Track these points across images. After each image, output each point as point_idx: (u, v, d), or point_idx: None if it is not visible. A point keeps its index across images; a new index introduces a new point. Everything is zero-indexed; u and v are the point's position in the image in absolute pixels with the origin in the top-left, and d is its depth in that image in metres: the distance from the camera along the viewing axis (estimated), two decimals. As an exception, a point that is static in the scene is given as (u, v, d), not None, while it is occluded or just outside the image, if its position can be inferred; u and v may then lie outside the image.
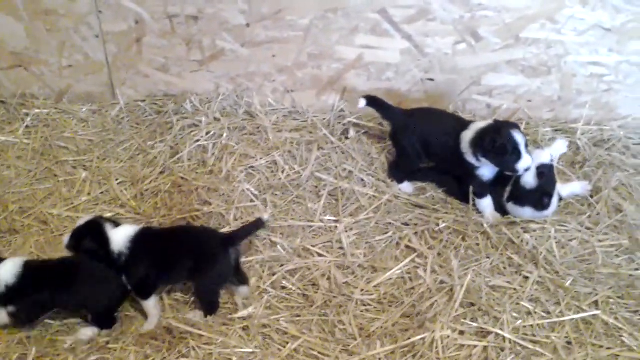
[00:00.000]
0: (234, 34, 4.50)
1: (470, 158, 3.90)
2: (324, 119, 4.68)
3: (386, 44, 4.43)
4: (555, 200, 3.92)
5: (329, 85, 4.60)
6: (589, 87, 4.39)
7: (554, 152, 4.06)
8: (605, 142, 4.45)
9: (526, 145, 3.78)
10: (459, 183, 4.13)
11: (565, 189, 4.06)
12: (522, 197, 3.88)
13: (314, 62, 4.54)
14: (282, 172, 4.34)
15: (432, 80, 4.50)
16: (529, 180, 3.82)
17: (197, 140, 4.53)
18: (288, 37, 4.47)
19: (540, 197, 3.84)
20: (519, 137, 3.75)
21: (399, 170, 4.26)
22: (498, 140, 3.75)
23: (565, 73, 4.35)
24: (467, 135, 3.90)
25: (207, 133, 4.57)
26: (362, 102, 4.22)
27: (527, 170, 3.80)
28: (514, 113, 4.52)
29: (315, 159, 4.39)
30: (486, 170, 3.95)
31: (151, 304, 3.53)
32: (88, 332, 3.53)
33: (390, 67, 4.48)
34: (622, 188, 4.17)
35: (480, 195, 3.98)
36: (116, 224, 3.61)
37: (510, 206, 3.94)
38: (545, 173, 3.81)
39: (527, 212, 3.90)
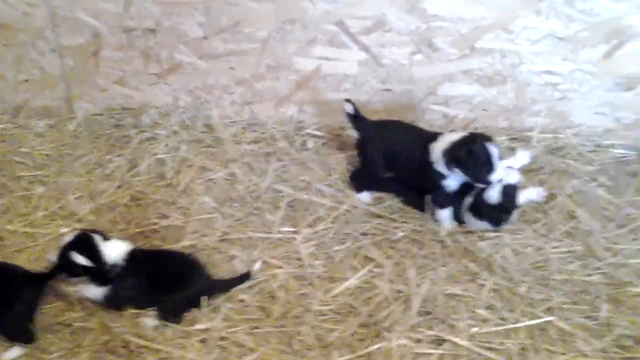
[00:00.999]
0: (191, 47, 4.51)
1: (440, 168, 3.93)
2: (283, 131, 4.66)
3: (344, 55, 4.46)
4: (513, 216, 3.95)
5: (287, 96, 4.61)
6: (543, 96, 4.44)
7: (516, 163, 4.09)
8: (560, 149, 4.50)
9: (499, 158, 3.82)
10: (419, 193, 4.13)
11: (521, 196, 4.08)
12: (482, 210, 3.92)
13: (272, 73, 4.56)
14: (241, 184, 4.32)
15: (389, 90, 4.51)
16: (493, 195, 3.85)
17: (155, 154, 4.53)
18: (246, 49, 4.48)
19: (499, 213, 3.88)
20: (493, 150, 3.81)
21: (361, 180, 4.28)
22: (474, 151, 3.78)
23: (520, 82, 4.40)
24: (439, 146, 3.94)
25: (166, 146, 4.57)
26: (349, 107, 4.22)
27: (498, 182, 3.82)
28: (470, 122, 4.56)
29: (274, 170, 4.41)
30: (453, 181, 3.98)
31: None
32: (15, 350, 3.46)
33: (348, 78, 4.51)
34: (576, 195, 4.20)
35: (442, 205, 4.03)
36: (105, 236, 3.58)
37: (468, 216, 3.97)
38: (510, 193, 3.83)
39: (483, 225, 3.94)
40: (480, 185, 3.90)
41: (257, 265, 3.79)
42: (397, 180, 4.27)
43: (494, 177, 3.82)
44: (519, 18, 4.25)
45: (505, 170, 3.86)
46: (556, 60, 4.38)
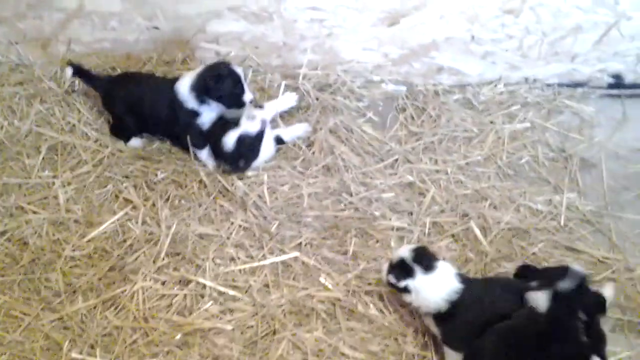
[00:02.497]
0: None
1: (191, 105, 3.91)
2: (53, 71, 4.50)
3: (106, -9, 4.30)
4: (268, 150, 4.05)
5: (53, 36, 4.44)
6: (311, 32, 4.45)
7: (281, 105, 4.16)
8: (330, 86, 4.53)
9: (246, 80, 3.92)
10: (172, 141, 4.19)
11: (286, 132, 4.15)
12: (221, 155, 3.99)
13: (33, 12, 4.34)
14: (1, 128, 4.18)
15: (158, 29, 4.41)
16: (228, 142, 3.92)
17: None
18: (3, -13, 4.27)
19: (237, 160, 3.94)
20: (239, 70, 3.90)
21: (121, 132, 4.25)
22: (222, 75, 3.85)
23: (286, 19, 4.39)
24: (184, 83, 3.91)
25: None
26: (69, 71, 4.15)
27: (250, 102, 3.95)
28: (243, 60, 4.55)
29: (36, 112, 4.27)
30: (206, 117, 3.99)
31: None
32: None
33: (113, 16, 4.39)
34: (340, 131, 4.26)
35: (199, 146, 4.05)
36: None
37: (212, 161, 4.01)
38: (247, 142, 3.90)
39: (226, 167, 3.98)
40: (235, 110, 3.97)
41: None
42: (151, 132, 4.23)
43: (246, 97, 3.92)
44: (276, -48, 4.19)
45: (246, 119, 3.90)
46: (320, -4, 4.37)
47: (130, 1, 4.32)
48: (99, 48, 4.51)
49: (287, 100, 4.25)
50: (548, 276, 3.06)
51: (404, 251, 3.23)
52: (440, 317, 3.18)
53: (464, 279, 3.20)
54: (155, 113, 4.05)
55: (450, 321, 3.15)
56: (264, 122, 3.93)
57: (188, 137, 4.03)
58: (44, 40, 4.50)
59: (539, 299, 2.94)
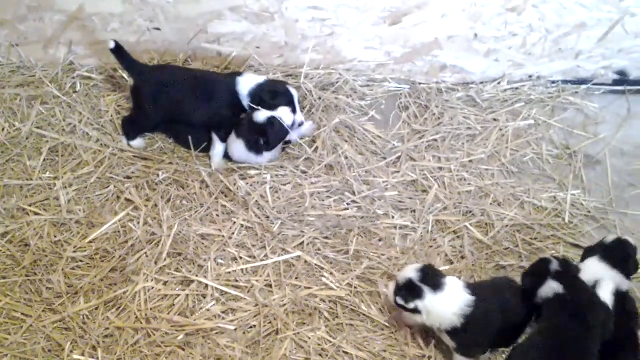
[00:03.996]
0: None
1: (246, 103, 4.06)
2: (54, 73, 4.49)
3: (105, -7, 4.29)
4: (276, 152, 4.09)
5: (54, 38, 4.43)
6: (312, 32, 4.44)
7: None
8: (333, 85, 4.53)
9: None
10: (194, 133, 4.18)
11: (292, 133, 4.11)
12: (243, 129, 4.01)
13: (34, 14, 4.34)
14: (2, 130, 4.17)
15: (158, 29, 4.39)
16: (260, 117, 3.95)
17: None
18: (3, -10, 4.26)
19: (258, 138, 3.95)
20: (294, 92, 4.07)
21: (134, 126, 4.22)
22: (279, 92, 4.05)
23: (288, 18, 4.37)
24: (246, 85, 4.10)
25: None
26: (112, 44, 4.09)
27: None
28: (246, 60, 4.53)
29: (37, 114, 4.27)
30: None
31: None
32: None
33: (114, 18, 4.37)
34: (343, 130, 4.25)
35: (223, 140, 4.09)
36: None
37: (231, 139, 4.06)
38: (276, 125, 3.93)
39: (237, 148, 4.05)
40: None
41: None
42: (177, 122, 4.21)
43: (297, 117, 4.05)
44: (278, -49, 4.18)
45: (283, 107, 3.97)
46: (321, -5, 4.36)
47: (131, 2, 4.31)
48: (100, 50, 4.47)
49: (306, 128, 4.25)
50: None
51: (411, 272, 3.20)
52: (455, 332, 3.15)
53: (473, 288, 3.19)
54: (199, 105, 4.08)
55: (466, 333, 3.13)
56: (295, 123, 3.99)
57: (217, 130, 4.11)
58: (45, 42, 4.49)
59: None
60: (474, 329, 3.12)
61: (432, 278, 3.16)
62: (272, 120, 3.90)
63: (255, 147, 3.95)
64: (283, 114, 3.93)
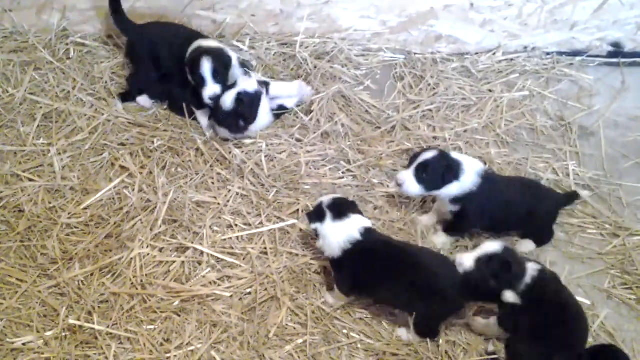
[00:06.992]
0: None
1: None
2: (47, 39, 4.45)
3: (98, -44, 4.24)
4: (264, 118, 4.01)
5: (48, 3, 4.38)
6: (308, 0, 4.38)
7: (284, 90, 4.16)
8: (328, 54, 4.48)
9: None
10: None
11: (290, 100, 4.09)
12: (220, 117, 3.92)
13: (28, -21, 4.29)
14: (-5, 97, 4.14)
15: (153, -5, 4.36)
16: (227, 101, 3.86)
17: None
18: (-5, -48, 4.19)
19: (235, 120, 3.88)
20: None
21: (136, 82, 4.22)
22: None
23: (283, -15, 4.33)
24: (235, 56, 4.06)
25: None
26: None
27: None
28: (240, 28, 4.49)
29: (31, 80, 4.22)
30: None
31: None
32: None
33: (110, -18, 4.30)
34: (339, 99, 4.24)
35: (198, 106, 4.06)
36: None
37: (211, 123, 3.95)
38: (245, 100, 3.84)
39: (223, 132, 3.94)
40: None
41: None
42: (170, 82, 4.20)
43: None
44: None
45: (242, 78, 3.87)
46: (315, -38, 4.32)
47: (125, -33, 4.24)
48: (94, 16, 4.43)
49: (291, 87, 4.20)
50: None
51: (325, 197, 3.34)
52: (333, 263, 3.28)
53: (370, 234, 3.25)
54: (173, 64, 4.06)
55: (341, 269, 3.25)
56: (261, 82, 3.93)
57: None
58: (38, 7, 4.44)
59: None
60: (349, 266, 3.20)
61: (339, 207, 3.26)
62: (239, 98, 3.87)
63: (237, 129, 3.93)
64: (246, 85, 3.90)
